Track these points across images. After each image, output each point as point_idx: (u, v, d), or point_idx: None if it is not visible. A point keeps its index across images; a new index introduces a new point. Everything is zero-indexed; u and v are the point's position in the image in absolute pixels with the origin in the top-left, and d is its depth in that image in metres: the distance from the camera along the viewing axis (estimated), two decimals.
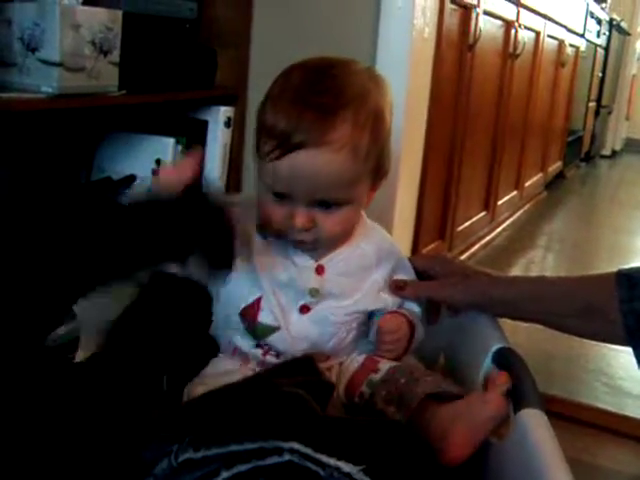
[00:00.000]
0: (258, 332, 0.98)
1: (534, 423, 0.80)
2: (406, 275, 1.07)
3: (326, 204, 0.94)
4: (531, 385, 0.87)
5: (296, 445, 0.63)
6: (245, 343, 0.99)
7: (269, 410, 0.70)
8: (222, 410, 0.72)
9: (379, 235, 1.06)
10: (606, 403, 1.61)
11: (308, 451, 0.63)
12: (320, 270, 0.99)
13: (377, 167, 0.98)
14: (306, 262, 0.99)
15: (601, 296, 0.97)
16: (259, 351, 0.98)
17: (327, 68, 0.96)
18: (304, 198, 0.93)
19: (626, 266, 0.98)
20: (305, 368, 0.89)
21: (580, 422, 1.51)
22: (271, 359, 0.98)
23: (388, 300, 1.03)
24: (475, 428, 0.84)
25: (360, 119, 0.92)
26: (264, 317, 0.97)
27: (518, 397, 0.85)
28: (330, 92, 0.92)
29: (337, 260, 1.00)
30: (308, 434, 0.66)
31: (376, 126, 0.95)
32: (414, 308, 1.06)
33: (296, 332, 0.98)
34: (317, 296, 0.98)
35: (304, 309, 0.98)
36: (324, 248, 0.99)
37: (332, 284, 0.99)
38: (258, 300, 0.98)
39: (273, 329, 0.97)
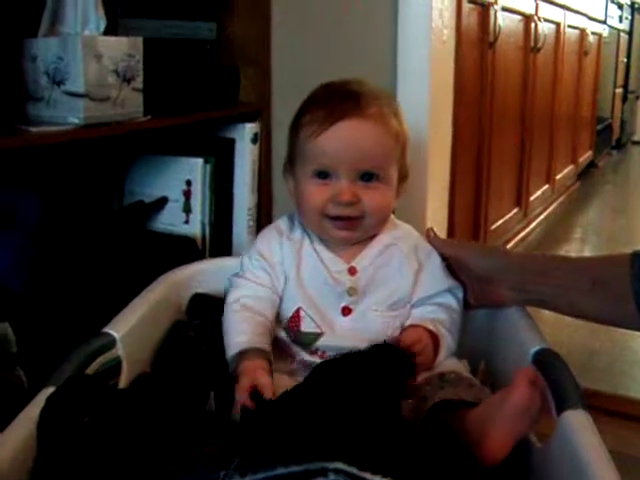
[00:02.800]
0: (304, 340, 1.03)
1: (578, 424, 0.79)
2: (433, 267, 1.10)
3: (367, 176, 1.03)
4: (573, 386, 0.86)
5: (341, 465, 0.63)
6: (297, 350, 1.04)
7: (315, 428, 0.71)
8: (268, 427, 0.73)
9: (407, 232, 1.12)
10: None
11: (353, 470, 0.63)
12: (352, 271, 1.05)
13: (402, 159, 1.08)
14: (339, 266, 1.05)
15: (613, 273, 0.96)
16: (312, 357, 1.03)
17: (347, 80, 1.09)
18: (348, 170, 1.01)
19: None
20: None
21: (627, 416, 1.49)
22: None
23: (421, 291, 1.07)
24: (507, 424, 0.83)
25: (384, 108, 1.05)
26: (306, 326, 1.03)
27: (560, 399, 0.84)
28: (354, 90, 1.05)
29: (367, 259, 1.06)
30: (354, 451, 0.66)
31: (398, 117, 1.07)
32: (451, 301, 1.08)
33: (341, 334, 1.03)
34: (355, 295, 1.04)
35: (345, 311, 1.04)
36: (362, 232, 1.05)
37: (366, 281, 1.05)
38: (297, 311, 1.04)
39: (317, 335, 1.03)
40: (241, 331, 1.01)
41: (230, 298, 1.07)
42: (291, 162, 1.11)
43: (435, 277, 1.09)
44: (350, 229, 1.04)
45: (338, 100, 1.03)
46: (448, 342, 1.04)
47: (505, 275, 1.08)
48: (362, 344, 0.99)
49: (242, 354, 0.97)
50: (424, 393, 0.92)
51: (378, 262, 1.06)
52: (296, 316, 1.04)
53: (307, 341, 1.03)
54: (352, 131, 1.01)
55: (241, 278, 1.09)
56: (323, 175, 1.03)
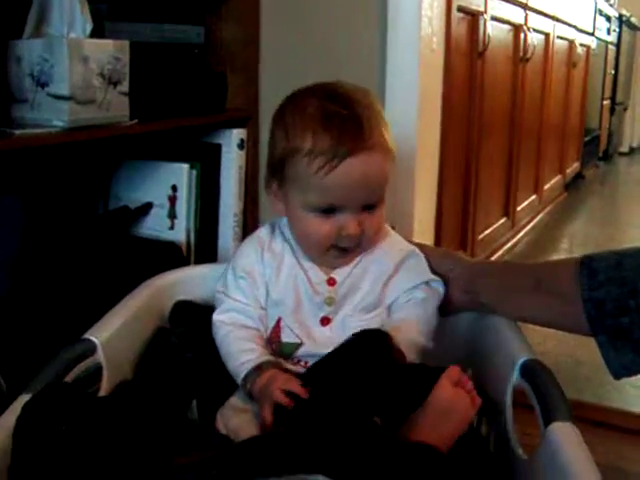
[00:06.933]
0: (284, 351, 1.03)
1: (565, 437, 0.78)
2: (411, 263, 1.08)
3: (372, 206, 1.00)
4: (560, 398, 0.86)
5: (321, 478, 0.62)
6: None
7: (298, 440, 0.70)
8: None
9: (388, 241, 1.10)
10: (637, 406, 1.59)
11: None
12: (332, 282, 1.04)
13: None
14: (319, 277, 1.05)
15: (559, 274, 0.97)
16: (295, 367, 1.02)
17: (331, 87, 1.02)
18: (356, 204, 0.98)
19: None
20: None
21: (613, 427, 1.49)
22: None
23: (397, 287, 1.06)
24: (428, 424, 0.84)
25: (381, 123, 0.99)
26: (285, 336, 1.03)
27: (547, 410, 0.84)
28: (349, 105, 0.97)
29: (346, 269, 1.05)
30: (335, 464, 0.65)
31: (387, 127, 1.01)
32: (427, 294, 1.07)
33: (321, 344, 1.01)
34: (333, 305, 1.03)
35: (324, 321, 1.03)
36: (357, 253, 1.04)
37: (345, 291, 1.04)
38: (278, 321, 1.04)
39: (297, 345, 1.02)
40: (248, 349, 1.00)
41: (220, 317, 1.06)
42: (279, 181, 1.03)
43: (412, 272, 1.07)
44: (351, 254, 1.04)
45: (341, 126, 0.95)
46: (413, 340, 1.02)
47: (456, 276, 1.09)
48: None
49: (258, 368, 0.97)
50: None
51: (356, 272, 1.05)
52: (277, 327, 1.04)
53: (287, 351, 1.02)
54: (361, 167, 0.96)
55: (229, 298, 1.07)
56: (328, 210, 0.99)
